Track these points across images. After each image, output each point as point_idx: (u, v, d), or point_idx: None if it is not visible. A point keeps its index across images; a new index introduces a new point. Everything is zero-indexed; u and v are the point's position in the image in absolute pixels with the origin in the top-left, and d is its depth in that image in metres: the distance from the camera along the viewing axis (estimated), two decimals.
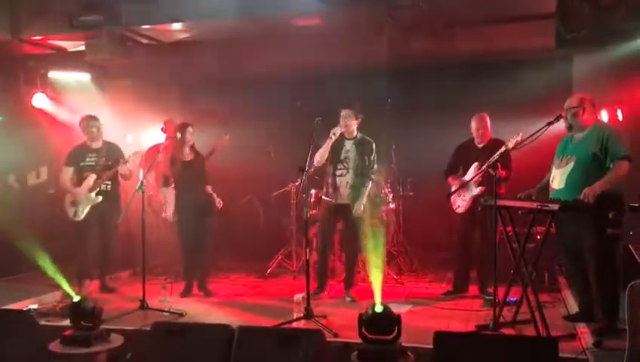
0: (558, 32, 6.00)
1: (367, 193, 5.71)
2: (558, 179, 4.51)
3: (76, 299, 4.03)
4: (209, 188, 6.04)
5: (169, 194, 6.41)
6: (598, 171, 4.30)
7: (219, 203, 5.99)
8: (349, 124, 5.64)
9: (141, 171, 6.66)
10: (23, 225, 5.85)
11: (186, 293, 5.92)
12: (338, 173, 5.71)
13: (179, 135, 5.91)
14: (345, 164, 5.70)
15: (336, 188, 5.70)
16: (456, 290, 5.84)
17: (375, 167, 5.76)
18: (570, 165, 4.44)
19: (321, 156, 5.61)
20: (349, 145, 5.73)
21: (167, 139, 6.80)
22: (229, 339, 3.63)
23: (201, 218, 5.93)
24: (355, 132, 5.75)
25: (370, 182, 5.74)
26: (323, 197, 5.87)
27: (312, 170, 5.56)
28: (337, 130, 5.57)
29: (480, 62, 7.29)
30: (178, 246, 6.13)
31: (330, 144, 5.58)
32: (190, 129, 5.98)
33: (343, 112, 5.67)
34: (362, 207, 5.64)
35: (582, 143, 4.49)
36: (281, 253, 7.09)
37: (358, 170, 5.67)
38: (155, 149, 6.79)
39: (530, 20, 5.91)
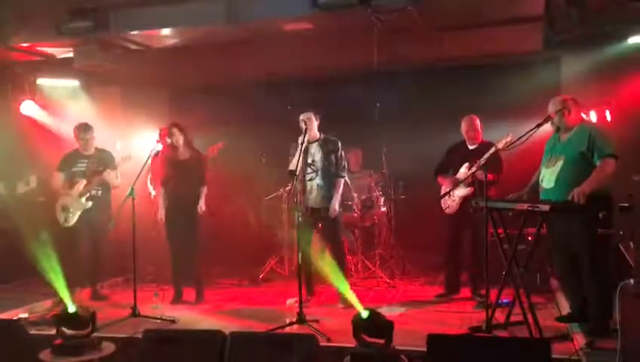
0: (546, 34, 6.06)
1: (340, 192, 5.66)
2: (547, 178, 4.53)
3: (72, 309, 3.98)
4: (203, 190, 5.94)
5: (163, 198, 6.37)
6: (586, 169, 4.32)
7: (200, 208, 5.89)
8: (311, 126, 5.53)
9: (148, 178, 6.63)
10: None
11: (176, 300, 5.88)
12: (308, 177, 5.64)
13: (168, 139, 5.89)
14: (313, 167, 5.64)
15: (307, 192, 5.64)
16: (449, 292, 5.85)
17: (344, 164, 5.71)
18: (559, 164, 4.45)
19: (293, 165, 5.44)
20: (313, 147, 5.67)
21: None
22: (222, 345, 3.61)
23: (190, 219, 5.87)
24: (318, 134, 5.69)
25: (342, 181, 5.69)
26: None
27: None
28: (304, 138, 5.47)
29: (469, 65, 7.31)
30: (167, 249, 6.08)
31: (301, 151, 5.44)
32: (174, 130, 5.92)
33: (302, 116, 5.56)
34: (337, 207, 5.61)
35: (569, 142, 4.50)
36: (273, 258, 7.07)
37: (326, 171, 5.62)
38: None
39: (518, 23, 5.94)
